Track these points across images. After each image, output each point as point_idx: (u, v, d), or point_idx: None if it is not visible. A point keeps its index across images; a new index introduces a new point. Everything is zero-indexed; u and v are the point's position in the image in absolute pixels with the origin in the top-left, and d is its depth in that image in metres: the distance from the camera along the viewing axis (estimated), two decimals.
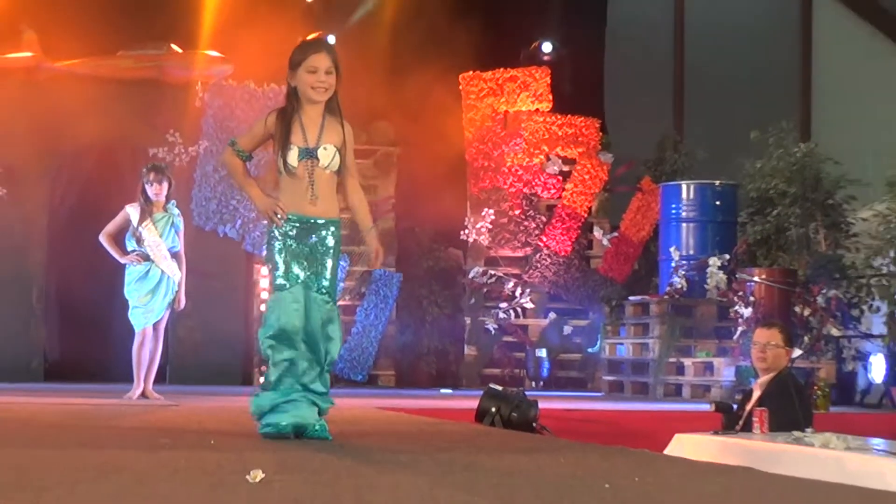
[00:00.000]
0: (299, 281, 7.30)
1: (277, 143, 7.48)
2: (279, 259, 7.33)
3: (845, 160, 19.09)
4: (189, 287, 13.38)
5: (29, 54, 18.81)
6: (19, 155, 18.42)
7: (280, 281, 7.33)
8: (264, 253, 18.52)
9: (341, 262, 18.87)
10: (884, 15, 26.11)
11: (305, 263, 7.32)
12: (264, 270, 19.23)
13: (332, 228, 7.45)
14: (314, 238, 7.38)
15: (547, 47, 22.11)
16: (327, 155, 7.40)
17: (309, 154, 7.37)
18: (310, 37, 7.78)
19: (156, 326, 13.22)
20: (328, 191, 7.47)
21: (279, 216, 7.31)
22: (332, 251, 7.40)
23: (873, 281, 18.15)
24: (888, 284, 17.71)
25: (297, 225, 7.36)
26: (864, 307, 18.42)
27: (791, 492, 5.77)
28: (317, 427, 7.24)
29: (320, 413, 7.34)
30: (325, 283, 7.36)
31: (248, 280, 19.38)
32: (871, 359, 18.69)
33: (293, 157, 7.37)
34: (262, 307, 19.06)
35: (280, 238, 7.33)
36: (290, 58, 7.69)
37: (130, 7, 18.93)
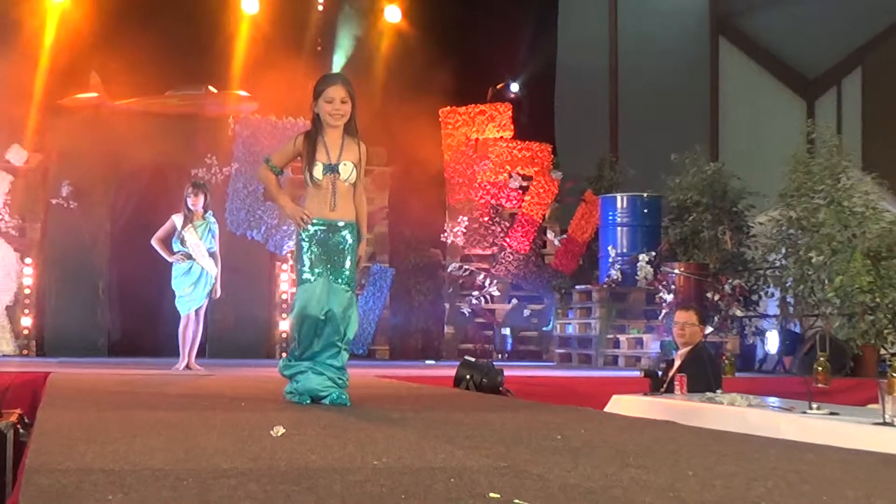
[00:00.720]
0: (321, 276, 7.32)
1: (305, 159, 7.47)
2: (306, 258, 7.35)
3: (746, 176, 19.13)
4: (223, 280, 13.37)
5: (95, 95, 18.76)
6: (87, 176, 18.39)
7: (306, 276, 7.35)
8: (290, 249, 18.64)
9: None
10: (774, 61, 26.16)
11: (327, 261, 7.35)
12: (283, 266, 19.32)
13: (350, 230, 7.47)
14: (335, 238, 7.40)
15: (514, 87, 22.08)
16: (347, 170, 7.44)
17: (331, 169, 7.40)
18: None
19: (197, 312, 13.24)
20: (346, 199, 7.49)
21: (304, 220, 7.33)
22: (350, 248, 7.43)
23: (768, 272, 18.17)
24: (780, 275, 17.72)
25: (321, 227, 7.37)
26: (762, 293, 18.45)
27: (704, 440, 5.78)
28: (334, 395, 7.23)
29: (336, 384, 7.33)
30: (346, 275, 7.40)
31: (270, 274, 19.31)
32: (767, 334, 18.70)
33: (318, 171, 7.39)
34: (283, 295, 19.16)
35: (307, 241, 7.35)
36: (314, 89, 7.61)
37: (175, 55, 18.86)
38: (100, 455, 4.32)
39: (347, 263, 7.44)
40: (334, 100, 7.45)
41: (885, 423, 6.40)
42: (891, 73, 23.87)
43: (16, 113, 18.33)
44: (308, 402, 7.24)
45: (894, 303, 16.02)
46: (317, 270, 7.36)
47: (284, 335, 18.93)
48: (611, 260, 19.16)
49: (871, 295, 16.00)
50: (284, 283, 19.26)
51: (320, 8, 21.24)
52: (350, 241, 7.47)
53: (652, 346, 17.06)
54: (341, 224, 7.46)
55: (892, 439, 6.01)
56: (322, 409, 6.92)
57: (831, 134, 18.48)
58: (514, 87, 22.31)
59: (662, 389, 9.97)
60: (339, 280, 7.39)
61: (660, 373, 10.57)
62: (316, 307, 7.28)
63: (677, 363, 10.51)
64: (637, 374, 12.76)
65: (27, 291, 18.04)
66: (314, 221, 7.39)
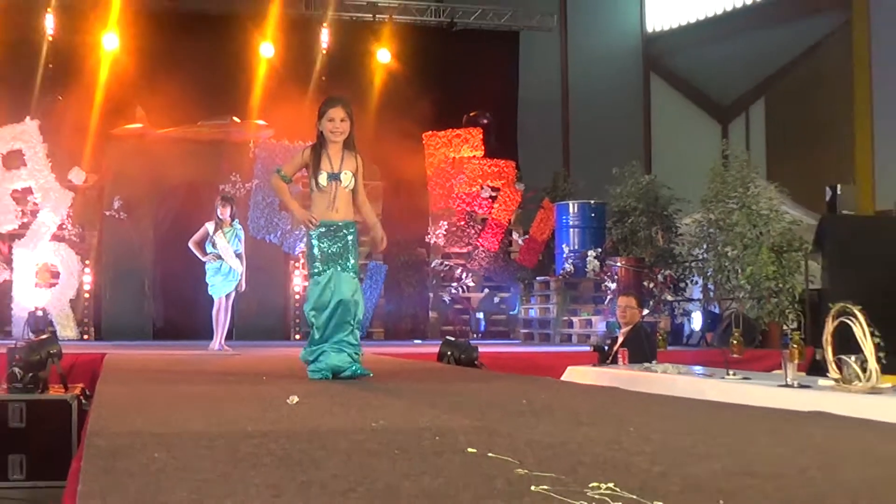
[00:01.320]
0: (329, 269, 7.29)
1: (311, 169, 7.41)
2: (316, 254, 7.31)
3: (674, 186, 19.16)
4: (246, 276, 13.35)
5: (140, 125, 18.76)
6: (134, 192, 18.35)
7: (317, 270, 7.31)
8: (301, 250, 18.62)
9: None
10: (695, 92, 26.22)
11: (334, 255, 7.31)
12: (296, 264, 19.29)
13: (351, 228, 7.43)
14: (338, 235, 7.35)
15: (486, 116, 22.03)
16: (347, 177, 7.40)
17: (334, 177, 7.37)
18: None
19: (226, 299, 13.28)
20: (346, 202, 7.46)
21: (312, 223, 7.28)
22: (351, 243, 7.38)
23: (693, 264, 18.19)
24: (702, 266, 17.75)
25: (326, 227, 7.33)
26: (688, 281, 18.48)
27: (643, 402, 5.78)
28: (354, 368, 7.20)
29: (353, 359, 7.27)
30: (350, 265, 7.36)
31: (285, 271, 19.28)
32: (693, 315, 18.76)
33: (323, 178, 7.34)
34: (295, 288, 19.15)
35: (316, 240, 7.30)
36: (319, 109, 7.59)
37: (205, 92, 18.83)
38: (147, 421, 4.31)
39: (351, 255, 7.39)
40: (335, 119, 7.41)
41: (787, 386, 6.41)
42: (788, 101, 23.93)
43: (76, 141, 18.33)
44: (330, 377, 7.13)
45: (794, 288, 16.07)
46: (326, 265, 7.32)
47: (297, 320, 18.95)
48: (565, 256, 19.16)
49: (775, 281, 16.06)
50: (297, 277, 19.25)
51: (324, 51, 21.19)
52: (350, 237, 7.42)
53: (599, 325, 17.07)
54: (342, 223, 7.41)
55: (793, 398, 6.02)
56: (329, 382, 6.90)
57: (741, 151, 18.54)
58: (485, 115, 22.29)
59: (608, 361, 9.98)
60: (346, 270, 7.34)
61: (606, 347, 10.56)
62: (328, 295, 7.24)
63: (620, 339, 10.54)
64: (588, 349, 12.78)
65: (86, 287, 18.02)
66: (320, 223, 7.34)
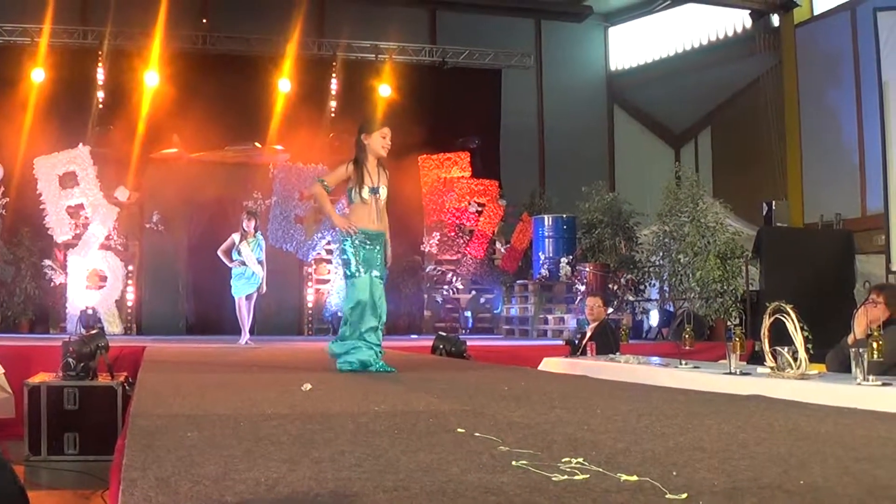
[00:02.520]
0: (366, 273, 7.13)
1: (354, 182, 7.21)
2: (353, 259, 7.15)
3: (634, 202, 19.23)
4: (267, 279, 13.36)
5: (176, 150, 18.79)
6: (170, 207, 18.39)
7: (354, 272, 7.15)
8: (314, 257, 18.61)
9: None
10: (652, 121, 26.26)
11: (369, 261, 7.16)
12: (308, 270, 19.34)
13: (381, 237, 7.29)
14: (373, 243, 7.21)
15: (472, 141, 21.99)
16: (384, 192, 7.27)
17: (374, 191, 7.22)
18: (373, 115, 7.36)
19: (248, 300, 13.27)
20: (382, 214, 7.31)
21: (353, 231, 7.13)
22: (380, 251, 7.24)
23: (651, 269, 18.24)
24: (659, 271, 17.80)
25: (365, 235, 7.16)
26: (646, 283, 18.53)
27: (608, 389, 5.78)
28: (379, 365, 7.03)
29: (378, 356, 7.12)
30: (381, 271, 7.24)
31: (300, 275, 19.26)
32: (651, 313, 18.80)
33: (366, 192, 7.16)
34: (308, 290, 19.16)
35: (354, 246, 7.13)
36: (366, 125, 7.36)
37: (231, 121, 18.82)
38: (181, 404, 4.31)
39: (381, 264, 7.27)
40: (387, 136, 7.24)
41: (730, 373, 6.41)
42: (731, 129, 23.99)
43: (121, 164, 18.39)
44: (359, 369, 6.99)
45: (736, 289, 16.13)
46: (362, 268, 7.17)
47: (310, 318, 18.96)
48: (541, 262, 19.17)
49: (720, 284, 16.12)
50: (309, 281, 19.35)
51: (333, 88, 21.23)
52: (379, 246, 7.29)
53: (571, 322, 17.09)
54: (377, 233, 7.28)
55: (735, 384, 6.02)
56: (337, 373, 6.89)
57: (691, 172, 18.63)
58: (472, 141, 22.30)
59: (578, 353, 9.98)
60: (379, 275, 7.23)
61: (576, 341, 10.58)
62: (366, 295, 7.12)
63: (588, 334, 10.55)
64: (560, 342, 12.79)
65: (130, 289, 18.02)
66: (360, 231, 7.17)
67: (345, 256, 7.26)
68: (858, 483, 2.41)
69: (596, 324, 10.73)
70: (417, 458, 2.73)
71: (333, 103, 21.21)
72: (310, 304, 19.21)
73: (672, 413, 4.14)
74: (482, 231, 20.80)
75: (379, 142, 7.23)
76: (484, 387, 5.65)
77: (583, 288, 17.28)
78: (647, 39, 25.87)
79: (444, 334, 10.98)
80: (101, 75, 19.40)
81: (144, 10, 19.34)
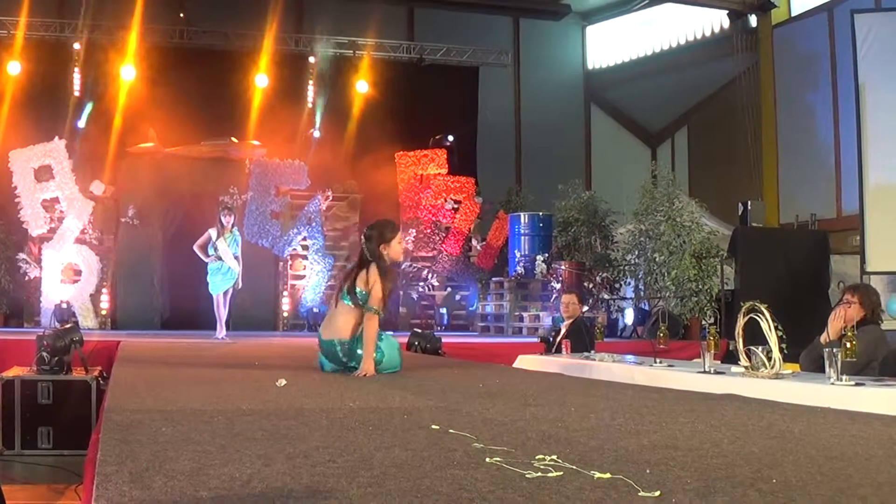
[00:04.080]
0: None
1: (384, 291, 6.23)
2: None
3: (610, 200, 19.30)
4: (243, 274, 13.32)
5: (152, 144, 18.73)
6: (146, 202, 18.32)
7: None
8: (289, 253, 18.52)
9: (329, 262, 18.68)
10: (628, 120, 26.40)
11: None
12: (282, 266, 19.30)
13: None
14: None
15: (445, 140, 22.03)
16: None
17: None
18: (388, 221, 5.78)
19: (225, 295, 13.24)
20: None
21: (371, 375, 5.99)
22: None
23: (626, 267, 18.32)
24: (634, 269, 17.87)
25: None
26: (622, 282, 18.60)
27: (582, 386, 5.80)
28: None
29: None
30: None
31: (275, 271, 19.23)
32: (626, 311, 18.85)
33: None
34: (283, 285, 19.14)
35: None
36: (384, 233, 6.33)
37: (208, 116, 18.83)
38: (156, 399, 4.30)
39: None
40: (402, 241, 6.54)
41: (704, 372, 6.44)
42: (707, 129, 24.16)
43: (97, 158, 18.35)
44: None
45: (711, 288, 16.22)
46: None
47: (285, 313, 18.92)
48: (517, 259, 19.19)
49: (695, 283, 16.21)
50: (285, 276, 19.35)
51: (310, 85, 21.22)
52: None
53: (546, 320, 17.11)
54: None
55: (709, 383, 6.05)
56: (314, 370, 6.88)
57: (668, 172, 18.72)
58: (449, 137, 22.33)
59: (553, 350, 9.99)
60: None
61: (551, 338, 10.58)
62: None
63: (563, 332, 10.55)
64: (535, 340, 12.78)
65: (104, 283, 17.95)
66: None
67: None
68: (831, 482, 2.43)
69: (571, 321, 10.73)
70: (392, 455, 2.73)
71: (310, 99, 21.19)
72: (285, 300, 19.17)
73: (646, 411, 4.16)
74: (458, 228, 20.80)
75: (398, 249, 6.45)
76: (459, 384, 5.65)
77: (558, 286, 17.31)
78: (625, 38, 25.97)
79: (419, 331, 10.96)
80: (77, 71, 19.33)
81: (121, 3, 19.31)
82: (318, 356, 6.58)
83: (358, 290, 6.29)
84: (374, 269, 6.28)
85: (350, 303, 6.30)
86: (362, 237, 6.64)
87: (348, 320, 6.31)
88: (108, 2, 19.65)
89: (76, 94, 19.34)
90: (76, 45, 19.49)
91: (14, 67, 18.87)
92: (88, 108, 19.32)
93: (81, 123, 19.26)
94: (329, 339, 6.37)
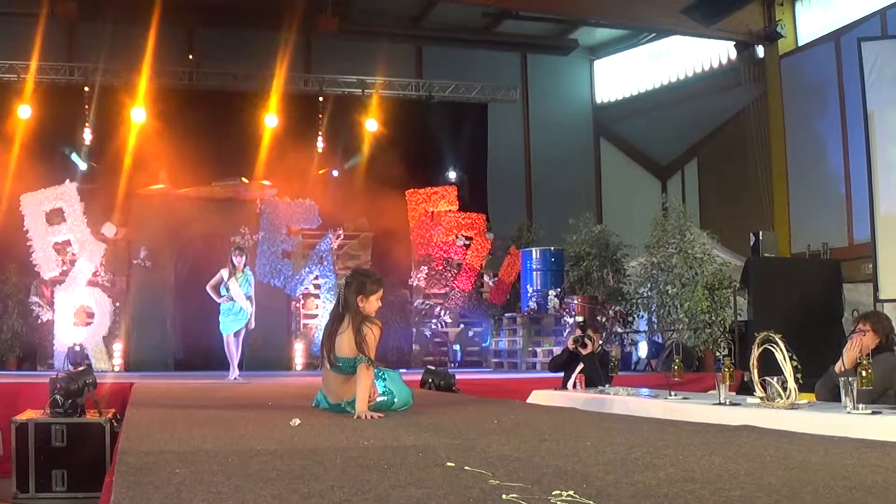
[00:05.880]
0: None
1: (376, 347, 6.03)
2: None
3: (622, 233, 19.24)
4: (255, 314, 13.32)
5: (162, 186, 18.82)
6: (158, 243, 18.34)
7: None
8: (301, 292, 18.52)
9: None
10: (638, 154, 26.41)
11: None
12: (296, 305, 19.28)
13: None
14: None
15: (448, 178, 22.14)
16: None
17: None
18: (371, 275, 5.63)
19: (237, 336, 13.21)
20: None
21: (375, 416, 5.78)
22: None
23: (639, 300, 18.24)
24: (647, 302, 17.79)
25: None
26: (635, 315, 18.52)
27: (597, 420, 5.77)
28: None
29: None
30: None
31: (288, 309, 19.19)
32: (640, 344, 18.78)
33: None
34: (296, 325, 19.12)
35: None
36: (365, 286, 6.10)
37: (219, 157, 18.97)
38: (169, 440, 4.29)
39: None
40: (380, 298, 6.21)
41: (720, 404, 6.41)
42: (717, 161, 24.13)
43: (108, 200, 18.40)
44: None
45: (725, 320, 16.17)
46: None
47: (299, 353, 18.88)
48: (529, 295, 19.15)
49: (709, 315, 16.16)
50: (297, 316, 19.33)
51: (320, 121, 21.31)
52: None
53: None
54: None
55: (725, 414, 6.02)
56: (326, 410, 6.86)
57: (678, 204, 18.72)
58: (453, 174, 22.43)
59: (568, 386, 9.94)
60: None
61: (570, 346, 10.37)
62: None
63: (580, 366, 10.50)
64: (549, 375, 12.70)
65: (117, 325, 17.96)
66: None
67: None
68: None
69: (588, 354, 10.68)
70: (407, 493, 2.72)
71: (320, 138, 21.27)
72: (298, 339, 19.15)
73: (662, 444, 4.13)
74: (470, 264, 20.78)
75: (375, 306, 6.18)
76: (473, 420, 5.63)
77: (571, 320, 17.23)
78: (633, 72, 26.05)
79: (432, 368, 10.95)
80: (87, 112, 19.48)
81: (131, 46, 19.47)
82: (318, 393, 6.55)
83: (340, 359, 6.12)
84: (349, 325, 6.07)
85: (339, 373, 6.17)
86: (343, 281, 6.50)
87: (347, 379, 6.14)
88: (118, 45, 19.84)
89: (86, 136, 19.47)
90: (86, 89, 19.65)
91: (25, 111, 19.03)
92: (77, 158, 19.50)
93: (83, 167, 19.43)
94: (337, 404, 6.23)
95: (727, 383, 6.71)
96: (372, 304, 6.10)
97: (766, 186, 21.45)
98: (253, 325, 13.37)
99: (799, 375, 5.91)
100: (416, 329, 20.47)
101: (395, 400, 6.27)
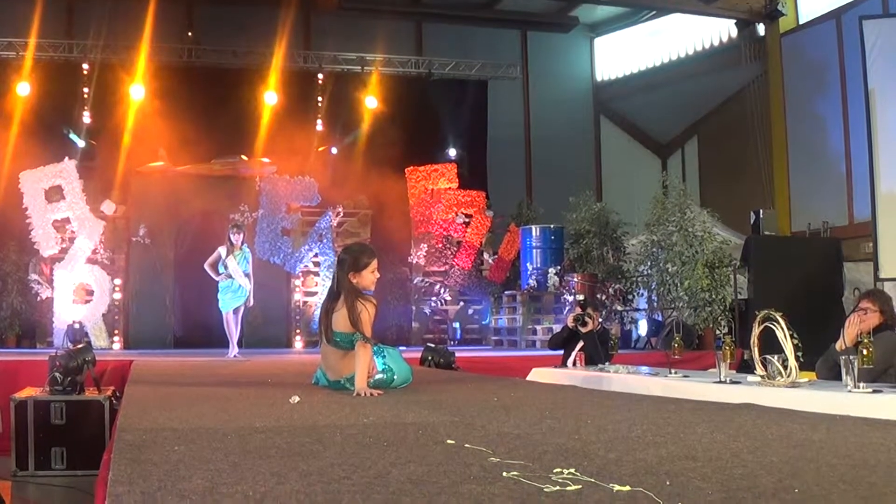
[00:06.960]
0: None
1: (372, 315, 5.93)
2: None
3: (621, 212, 19.26)
4: (254, 291, 13.33)
5: (162, 163, 18.80)
6: (157, 220, 18.34)
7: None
8: (301, 269, 18.50)
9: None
10: (638, 131, 26.36)
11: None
12: (296, 282, 19.28)
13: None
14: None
15: (454, 152, 22.14)
16: None
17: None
18: (361, 244, 5.54)
19: (236, 313, 13.22)
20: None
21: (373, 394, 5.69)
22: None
23: (639, 278, 18.26)
24: (647, 280, 17.81)
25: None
26: (635, 293, 18.53)
27: (598, 398, 5.76)
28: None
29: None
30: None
31: (287, 287, 19.20)
32: (639, 322, 18.80)
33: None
34: (295, 302, 19.12)
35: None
36: (358, 260, 6.03)
37: (218, 134, 18.92)
38: (168, 418, 4.27)
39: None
40: (376, 269, 6.11)
41: (720, 382, 6.40)
42: (717, 139, 24.08)
43: (107, 177, 18.39)
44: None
45: (725, 298, 16.18)
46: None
47: (297, 330, 18.89)
48: (529, 273, 19.15)
49: (709, 293, 16.17)
50: (297, 293, 19.34)
51: (320, 100, 21.24)
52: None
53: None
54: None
55: (726, 392, 6.01)
56: (325, 388, 6.84)
57: (678, 182, 18.71)
58: (453, 151, 22.39)
59: (570, 363, 9.94)
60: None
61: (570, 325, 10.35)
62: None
63: (580, 344, 10.49)
64: (549, 352, 12.69)
65: (116, 303, 17.97)
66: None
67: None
68: (854, 490, 2.39)
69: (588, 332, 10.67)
70: (407, 470, 2.70)
71: (320, 116, 21.22)
72: (297, 317, 19.16)
73: (663, 422, 4.12)
74: (470, 242, 20.77)
75: (371, 279, 6.10)
76: (473, 398, 5.62)
77: (571, 298, 17.24)
78: (633, 50, 25.98)
79: (432, 346, 10.93)
80: (86, 89, 19.43)
81: (130, 23, 19.40)
82: (318, 371, 6.54)
83: (337, 334, 6.12)
84: (344, 302, 6.01)
85: (337, 347, 6.17)
86: (336, 259, 6.43)
87: (345, 355, 6.13)
88: (117, 22, 19.76)
89: (85, 113, 19.43)
90: (85, 66, 19.59)
91: (24, 88, 18.97)
92: (76, 137, 19.44)
93: (81, 145, 19.39)
94: (336, 381, 6.21)
95: (727, 361, 6.69)
96: (366, 277, 6.05)
97: (766, 164, 21.43)
98: (252, 302, 13.39)
99: (799, 354, 5.90)
100: (416, 307, 20.49)
101: (395, 377, 6.25)
